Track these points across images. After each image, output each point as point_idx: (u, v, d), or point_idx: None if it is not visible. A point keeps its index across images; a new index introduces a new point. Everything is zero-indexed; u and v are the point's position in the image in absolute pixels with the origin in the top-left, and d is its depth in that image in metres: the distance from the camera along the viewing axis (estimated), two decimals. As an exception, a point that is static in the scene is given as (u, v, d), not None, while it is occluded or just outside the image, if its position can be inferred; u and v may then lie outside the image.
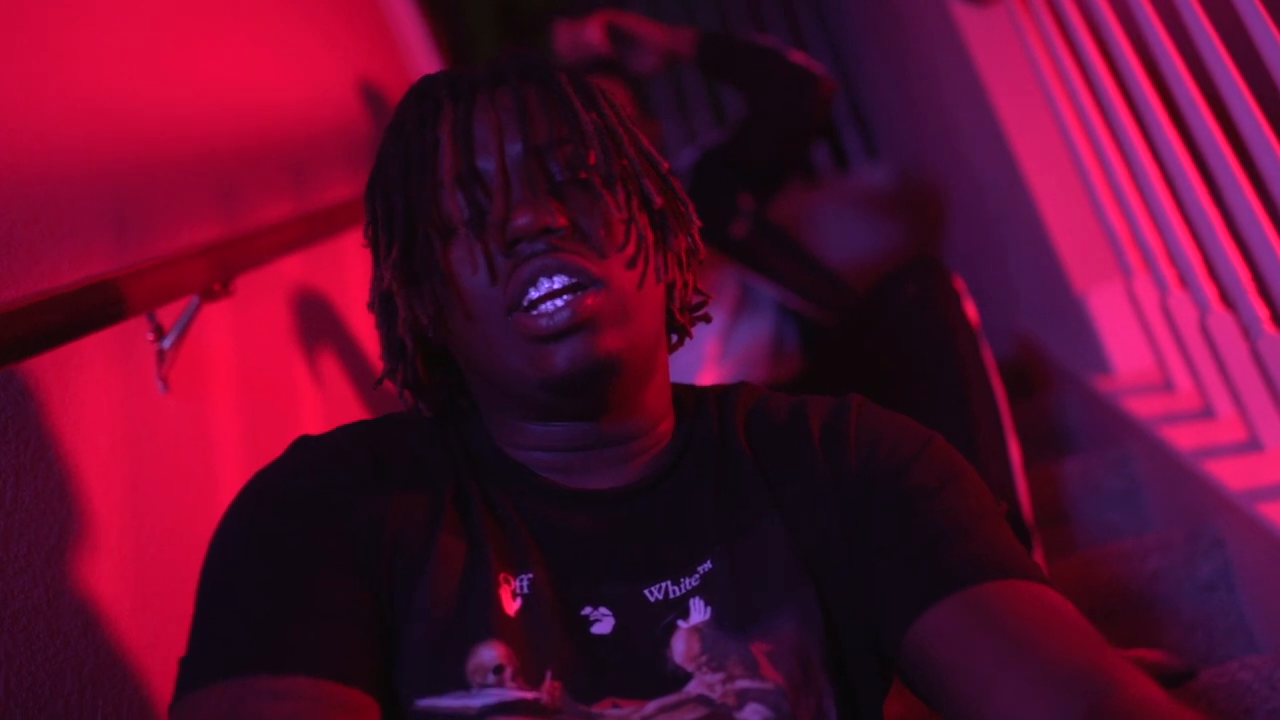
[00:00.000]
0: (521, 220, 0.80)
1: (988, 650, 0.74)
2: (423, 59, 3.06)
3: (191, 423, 1.42)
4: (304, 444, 0.88)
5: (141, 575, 1.22)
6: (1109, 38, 1.84)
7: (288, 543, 0.80)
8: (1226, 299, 1.71)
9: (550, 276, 0.80)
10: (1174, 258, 1.85)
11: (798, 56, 2.27)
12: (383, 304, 0.89)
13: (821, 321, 2.19)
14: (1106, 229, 2.13)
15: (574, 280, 0.80)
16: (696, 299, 0.95)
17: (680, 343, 0.98)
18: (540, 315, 0.80)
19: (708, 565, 0.84)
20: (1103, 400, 2.20)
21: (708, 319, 0.98)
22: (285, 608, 0.76)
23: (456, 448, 0.90)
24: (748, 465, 0.89)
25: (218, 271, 1.39)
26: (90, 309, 1.13)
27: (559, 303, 0.80)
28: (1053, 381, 2.62)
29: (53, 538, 1.09)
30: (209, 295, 1.42)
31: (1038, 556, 1.67)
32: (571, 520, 0.86)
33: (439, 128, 0.86)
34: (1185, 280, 1.83)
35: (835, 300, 2.19)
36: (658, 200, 0.89)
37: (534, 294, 0.80)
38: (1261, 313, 1.62)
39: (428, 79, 0.91)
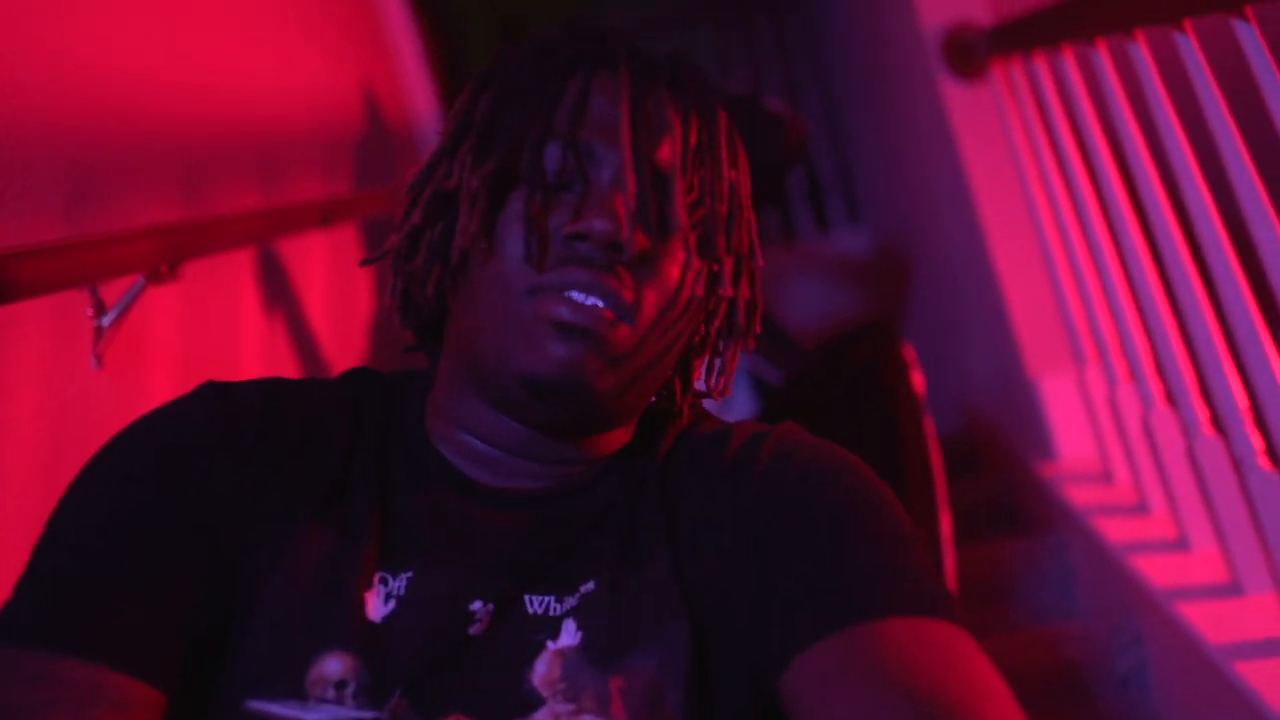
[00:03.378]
0: (608, 228, 0.76)
1: (854, 697, 0.68)
2: (415, 71, 3.07)
3: (123, 404, 1.40)
4: (202, 395, 0.82)
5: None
6: (1086, 132, 1.86)
7: (127, 508, 0.75)
8: (1171, 397, 1.73)
9: (587, 295, 0.76)
10: (1126, 352, 1.87)
11: (771, 102, 2.29)
12: (438, 201, 0.83)
13: (766, 379, 2.19)
14: (1065, 317, 2.15)
15: (607, 306, 0.77)
16: (704, 388, 0.91)
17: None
18: (563, 302, 0.76)
19: (590, 586, 0.79)
20: (1043, 485, 2.21)
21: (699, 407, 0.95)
22: (95, 578, 0.72)
23: (371, 424, 0.85)
24: (655, 492, 0.84)
25: (166, 254, 1.38)
26: (29, 276, 1.11)
27: (589, 302, 0.76)
28: (1000, 460, 2.63)
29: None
30: (155, 277, 1.40)
31: (957, 632, 1.67)
32: (475, 516, 0.82)
33: (598, 82, 0.81)
34: (1134, 375, 1.85)
35: (784, 361, 2.19)
36: (744, 293, 0.87)
37: (565, 294, 0.77)
38: (1201, 414, 1.63)
39: (590, 23, 0.86)
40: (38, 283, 1.14)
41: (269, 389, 0.85)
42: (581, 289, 0.76)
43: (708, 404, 2.23)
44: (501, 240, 0.79)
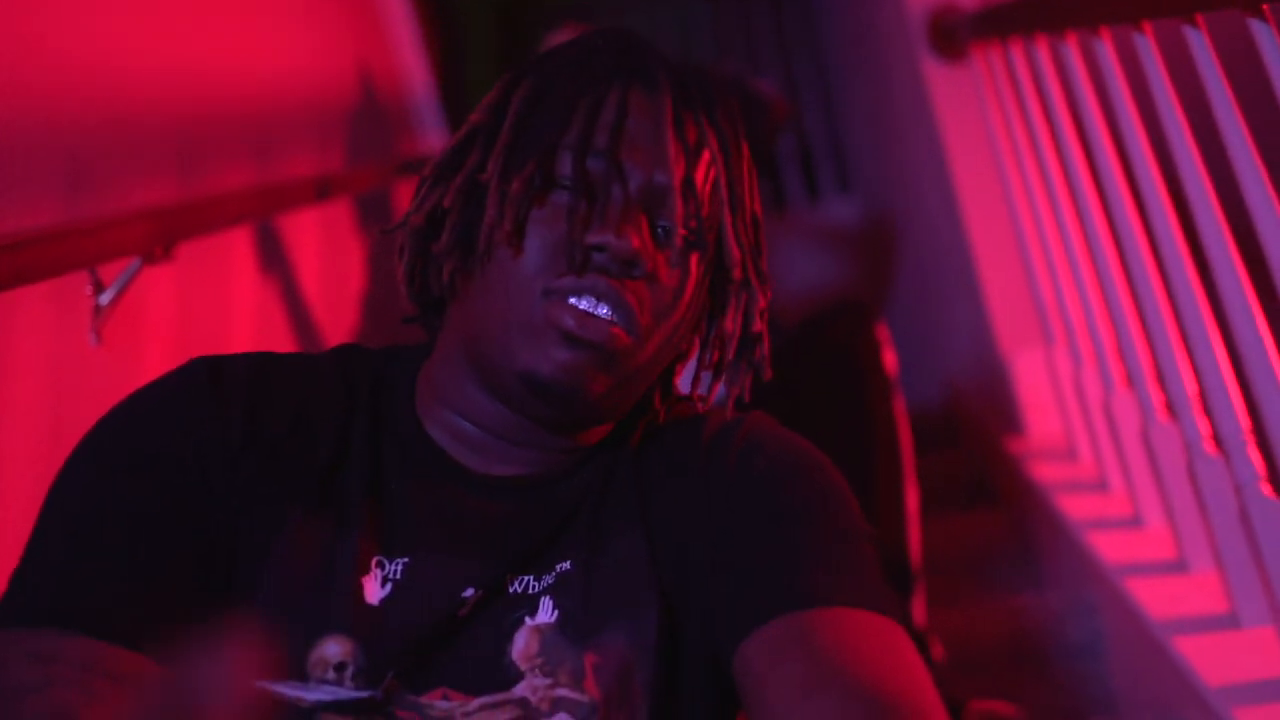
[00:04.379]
0: (628, 244, 0.79)
1: (798, 675, 0.74)
2: (409, 46, 3.10)
3: (120, 379, 1.47)
4: (193, 371, 0.84)
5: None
6: (1057, 120, 1.91)
7: (123, 489, 0.77)
8: (1131, 381, 1.79)
9: (599, 302, 0.80)
10: (1091, 334, 1.93)
11: (757, 83, 2.34)
12: (468, 190, 0.85)
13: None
14: (1035, 297, 2.21)
15: (614, 320, 0.80)
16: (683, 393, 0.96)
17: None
18: (572, 311, 0.79)
19: (566, 566, 0.84)
20: (1013, 460, 2.28)
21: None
22: (95, 560, 0.74)
23: (362, 406, 0.87)
24: (630, 478, 0.89)
25: (160, 236, 1.44)
26: (31, 262, 1.18)
27: (600, 310, 0.80)
28: (976, 434, 2.70)
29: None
30: (151, 258, 1.47)
31: (919, 602, 1.74)
32: (467, 504, 0.84)
33: (635, 97, 0.84)
34: (1098, 357, 1.91)
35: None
36: (755, 326, 0.89)
37: (574, 301, 0.80)
38: (1157, 399, 1.70)
39: (628, 33, 0.89)
40: (39, 268, 1.20)
41: (259, 366, 0.86)
42: (596, 296, 0.80)
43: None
44: (526, 239, 0.82)
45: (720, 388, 0.92)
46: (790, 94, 4.42)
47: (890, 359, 1.94)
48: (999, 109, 2.24)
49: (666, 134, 0.83)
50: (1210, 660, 1.39)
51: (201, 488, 0.79)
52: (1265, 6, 1.17)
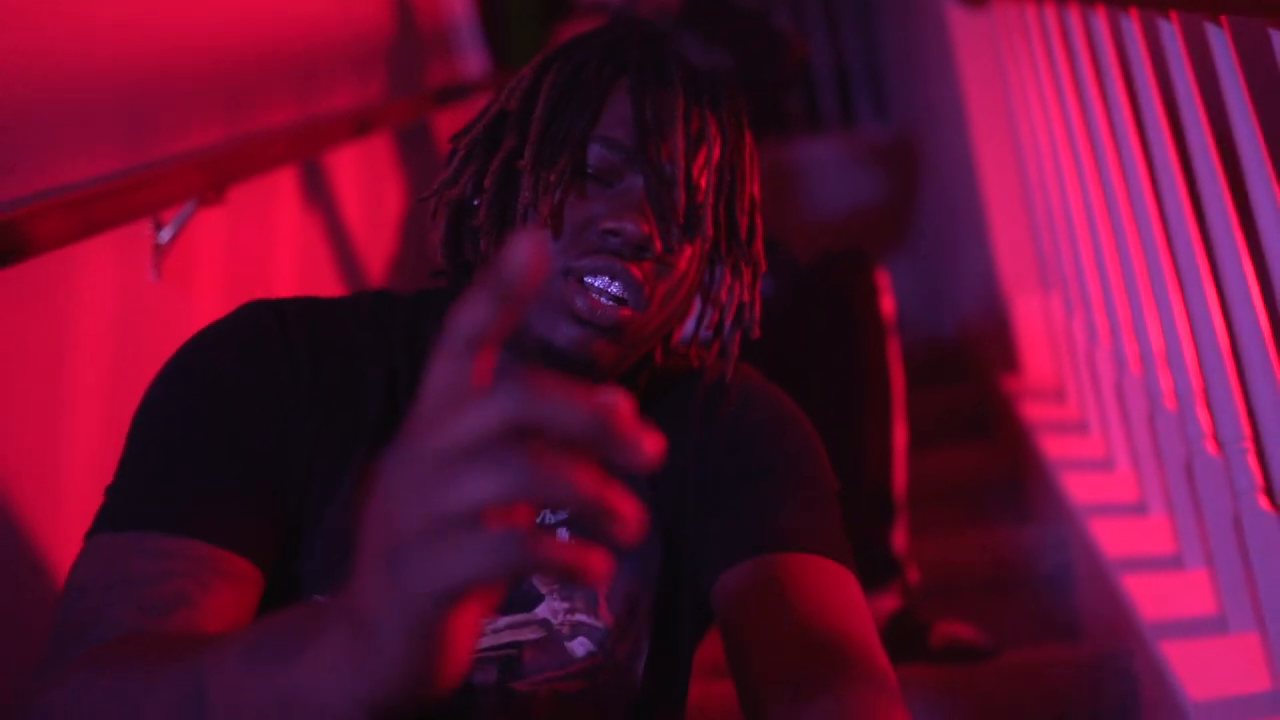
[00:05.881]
0: (639, 230, 0.88)
1: (765, 607, 0.87)
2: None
3: (178, 310, 1.63)
4: (254, 311, 0.91)
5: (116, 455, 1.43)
6: (1060, 79, 2.00)
7: (211, 411, 0.84)
8: (1112, 331, 1.91)
9: (612, 281, 0.88)
10: (1080, 284, 2.04)
11: (777, 22, 2.43)
12: (506, 173, 0.93)
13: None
14: (1037, 245, 2.32)
15: (625, 296, 0.88)
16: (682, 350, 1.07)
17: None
18: (583, 294, 0.87)
19: None
20: (1007, 397, 2.40)
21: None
22: (192, 471, 0.81)
23: (401, 356, 0.94)
24: None
25: (213, 182, 1.59)
26: (98, 214, 1.33)
27: (608, 298, 0.87)
28: (979, 369, 2.82)
29: (36, 410, 1.31)
30: (204, 200, 1.62)
31: (900, 531, 1.89)
32: None
33: (651, 97, 0.92)
34: (1085, 306, 2.03)
35: (778, 269, 2.34)
36: (744, 295, 0.99)
37: (590, 280, 0.88)
38: (1130, 351, 1.82)
39: (649, 28, 0.98)
40: (107, 219, 1.36)
41: (313, 313, 0.93)
42: (610, 275, 0.88)
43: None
44: (557, 220, 0.90)
45: (720, 347, 1.04)
46: (830, 22, 4.50)
47: (888, 305, 2.06)
48: (1013, 59, 2.32)
49: (677, 128, 0.92)
50: (1150, 597, 1.54)
51: (281, 422, 0.87)
52: (1224, 18, 1.27)
